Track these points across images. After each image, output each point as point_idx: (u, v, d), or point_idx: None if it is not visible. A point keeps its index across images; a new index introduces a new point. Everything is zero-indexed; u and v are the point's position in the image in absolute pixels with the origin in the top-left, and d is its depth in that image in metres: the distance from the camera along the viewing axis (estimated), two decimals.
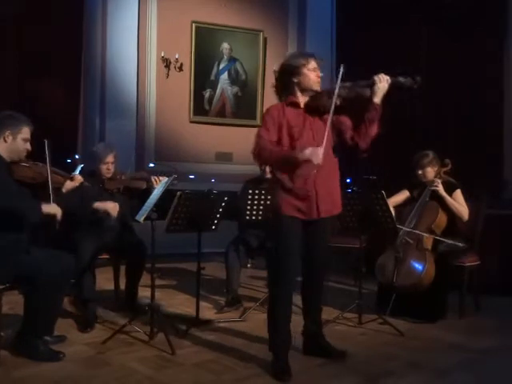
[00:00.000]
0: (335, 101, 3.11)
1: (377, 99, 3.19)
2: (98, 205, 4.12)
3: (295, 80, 3.23)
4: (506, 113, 6.78)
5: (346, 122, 3.34)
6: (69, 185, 3.57)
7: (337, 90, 3.11)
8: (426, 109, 7.42)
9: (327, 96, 3.19)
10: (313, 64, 3.25)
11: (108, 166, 4.30)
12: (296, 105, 3.26)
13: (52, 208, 3.28)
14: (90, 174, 4.26)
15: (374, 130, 3.23)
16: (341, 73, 3.14)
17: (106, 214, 4.13)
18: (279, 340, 3.23)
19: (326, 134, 3.10)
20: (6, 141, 3.28)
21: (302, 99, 3.27)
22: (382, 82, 3.17)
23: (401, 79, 3.20)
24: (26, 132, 3.35)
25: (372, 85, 3.18)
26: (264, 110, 8.03)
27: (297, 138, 3.18)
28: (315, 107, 3.24)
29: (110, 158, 4.30)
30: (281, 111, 3.23)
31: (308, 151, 3.05)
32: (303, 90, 3.25)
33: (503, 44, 6.88)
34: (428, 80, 7.56)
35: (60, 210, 3.29)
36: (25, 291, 3.39)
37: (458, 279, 4.39)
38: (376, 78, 3.18)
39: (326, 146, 3.08)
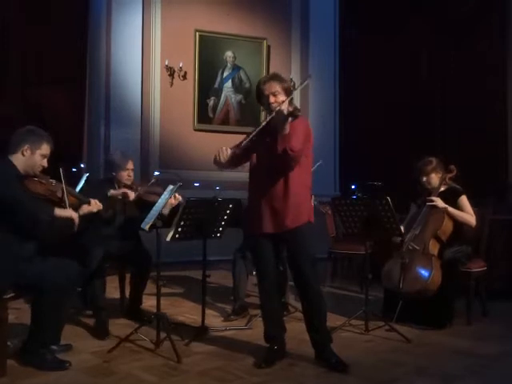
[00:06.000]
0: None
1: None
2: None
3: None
4: (509, 115, 6.77)
5: None
6: (86, 209, 3.56)
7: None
8: (427, 111, 7.42)
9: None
10: (270, 89, 3.41)
11: (129, 173, 4.37)
12: None
13: (67, 212, 3.31)
14: (109, 180, 4.35)
15: None
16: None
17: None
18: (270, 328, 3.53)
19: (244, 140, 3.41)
20: (24, 155, 3.30)
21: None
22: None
23: None
24: (45, 148, 3.36)
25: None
26: None
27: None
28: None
29: (130, 165, 4.38)
30: None
31: None
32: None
33: (504, 45, 6.89)
34: (428, 80, 7.62)
35: (76, 214, 3.34)
36: (30, 300, 3.40)
37: (465, 285, 4.37)
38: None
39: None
